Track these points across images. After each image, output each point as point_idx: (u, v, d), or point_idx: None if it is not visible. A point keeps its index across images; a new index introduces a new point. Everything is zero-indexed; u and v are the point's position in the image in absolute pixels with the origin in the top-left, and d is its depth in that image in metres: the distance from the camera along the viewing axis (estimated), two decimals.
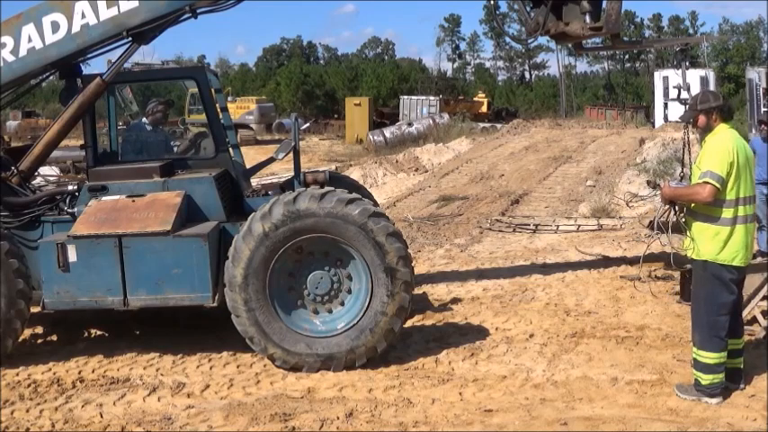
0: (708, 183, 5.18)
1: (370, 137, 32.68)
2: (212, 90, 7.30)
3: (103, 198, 6.70)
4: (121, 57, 6.90)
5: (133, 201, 6.60)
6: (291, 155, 7.16)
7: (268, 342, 6.13)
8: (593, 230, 12.12)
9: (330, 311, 6.36)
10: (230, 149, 7.27)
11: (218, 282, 6.27)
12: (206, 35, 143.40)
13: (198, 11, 6.95)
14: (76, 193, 6.91)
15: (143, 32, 6.80)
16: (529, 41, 9.08)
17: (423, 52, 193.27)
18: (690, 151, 9.10)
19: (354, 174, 18.94)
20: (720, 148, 5.26)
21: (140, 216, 6.38)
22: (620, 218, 12.84)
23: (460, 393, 5.71)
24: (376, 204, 6.84)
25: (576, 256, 10.30)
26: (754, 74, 27.78)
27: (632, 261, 9.69)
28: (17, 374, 6.31)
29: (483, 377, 6.03)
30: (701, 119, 5.40)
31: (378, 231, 6.08)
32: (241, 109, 40.90)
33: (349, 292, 6.34)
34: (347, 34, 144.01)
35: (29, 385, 6.06)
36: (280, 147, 7.20)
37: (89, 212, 6.52)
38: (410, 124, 34.44)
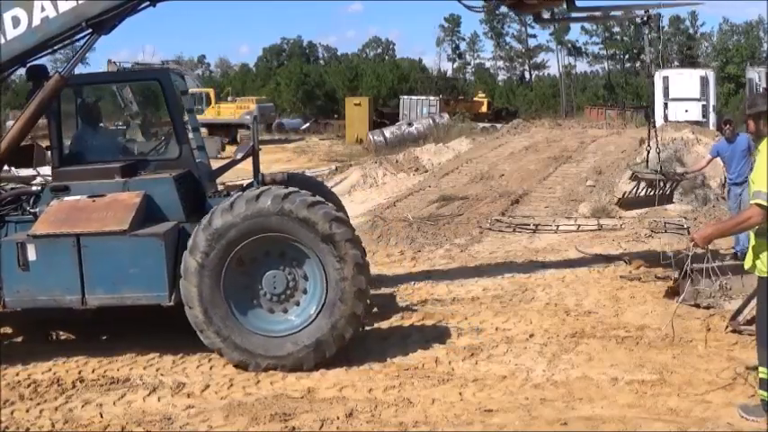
0: (756, 204, 4.72)
1: (370, 137, 32.69)
2: (178, 92, 7.35)
3: (65, 198, 6.75)
4: (80, 50, 6.93)
5: (93, 201, 6.65)
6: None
7: (257, 358, 6.20)
8: (593, 230, 12.12)
9: (298, 304, 6.39)
10: (194, 151, 7.32)
11: (176, 280, 6.29)
12: (207, 35, 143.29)
13: None
14: (40, 194, 6.93)
15: (102, 22, 6.81)
16: (479, 9, 8.81)
17: (425, 52, 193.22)
18: (658, 147, 9.03)
19: (354, 174, 18.93)
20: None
21: (99, 216, 6.43)
22: (620, 218, 12.83)
23: (460, 393, 5.71)
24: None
25: (576, 256, 10.31)
26: (754, 74, 27.89)
27: (632, 261, 9.69)
28: (17, 374, 6.31)
29: (483, 377, 6.03)
30: (750, 124, 5.06)
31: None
32: (241, 109, 40.88)
33: (305, 278, 6.35)
34: (351, 34, 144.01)
35: (29, 385, 6.06)
36: (238, 148, 7.26)
37: (50, 212, 6.57)
38: (410, 124, 34.44)
